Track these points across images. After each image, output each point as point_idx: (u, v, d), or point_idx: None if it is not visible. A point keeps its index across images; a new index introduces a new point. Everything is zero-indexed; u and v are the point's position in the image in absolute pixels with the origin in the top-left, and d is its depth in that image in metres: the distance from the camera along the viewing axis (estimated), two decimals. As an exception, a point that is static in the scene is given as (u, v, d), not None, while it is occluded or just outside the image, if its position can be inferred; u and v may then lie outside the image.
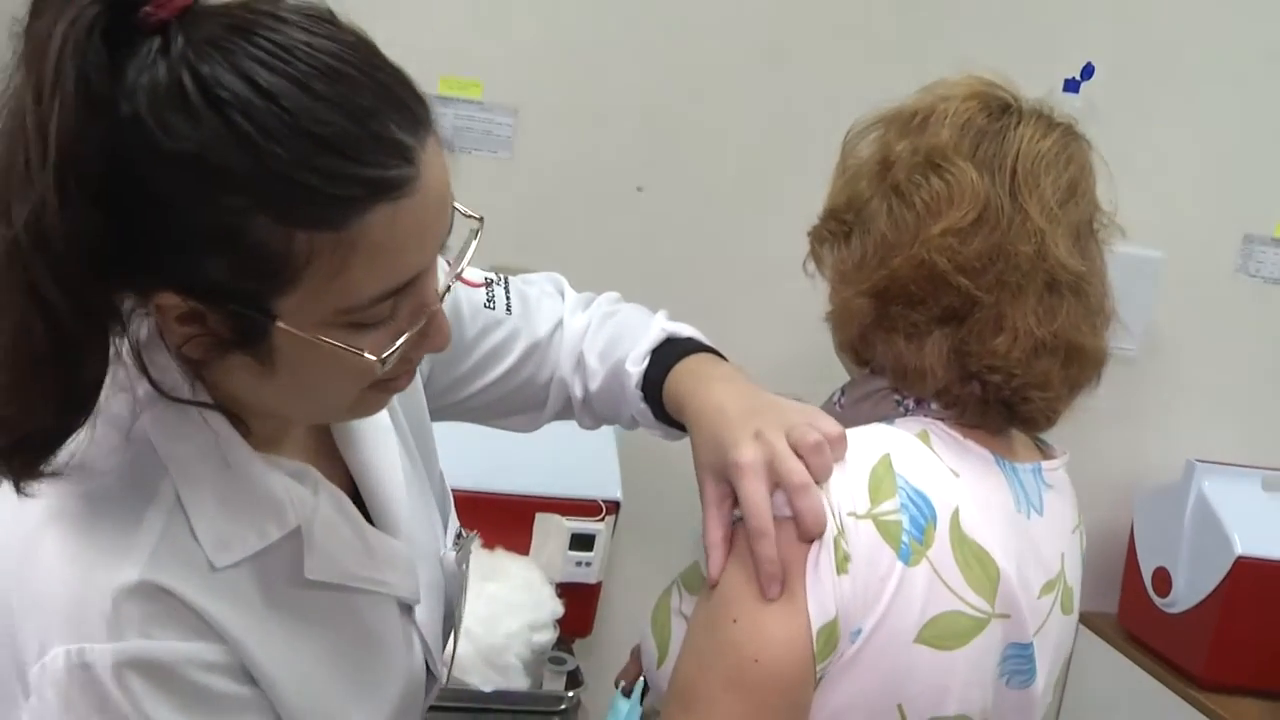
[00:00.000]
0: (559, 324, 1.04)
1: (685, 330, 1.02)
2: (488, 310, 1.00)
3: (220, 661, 0.70)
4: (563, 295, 1.07)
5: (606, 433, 1.90)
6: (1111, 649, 2.11)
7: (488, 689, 1.58)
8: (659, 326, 1.00)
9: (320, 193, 0.63)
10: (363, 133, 0.63)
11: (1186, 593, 1.95)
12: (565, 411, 1.06)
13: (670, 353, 0.98)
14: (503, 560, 1.69)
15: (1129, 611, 2.11)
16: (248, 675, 0.72)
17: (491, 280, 1.02)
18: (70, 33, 0.59)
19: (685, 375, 0.95)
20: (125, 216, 0.62)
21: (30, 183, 0.59)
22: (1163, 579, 1.99)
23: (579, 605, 1.76)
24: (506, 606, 1.61)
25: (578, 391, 1.03)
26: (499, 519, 1.69)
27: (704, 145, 1.91)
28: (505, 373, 1.01)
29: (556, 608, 1.68)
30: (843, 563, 0.81)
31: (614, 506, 1.78)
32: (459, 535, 0.98)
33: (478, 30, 1.81)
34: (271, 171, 0.62)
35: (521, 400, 1.04)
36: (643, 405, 0.98)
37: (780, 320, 1.89)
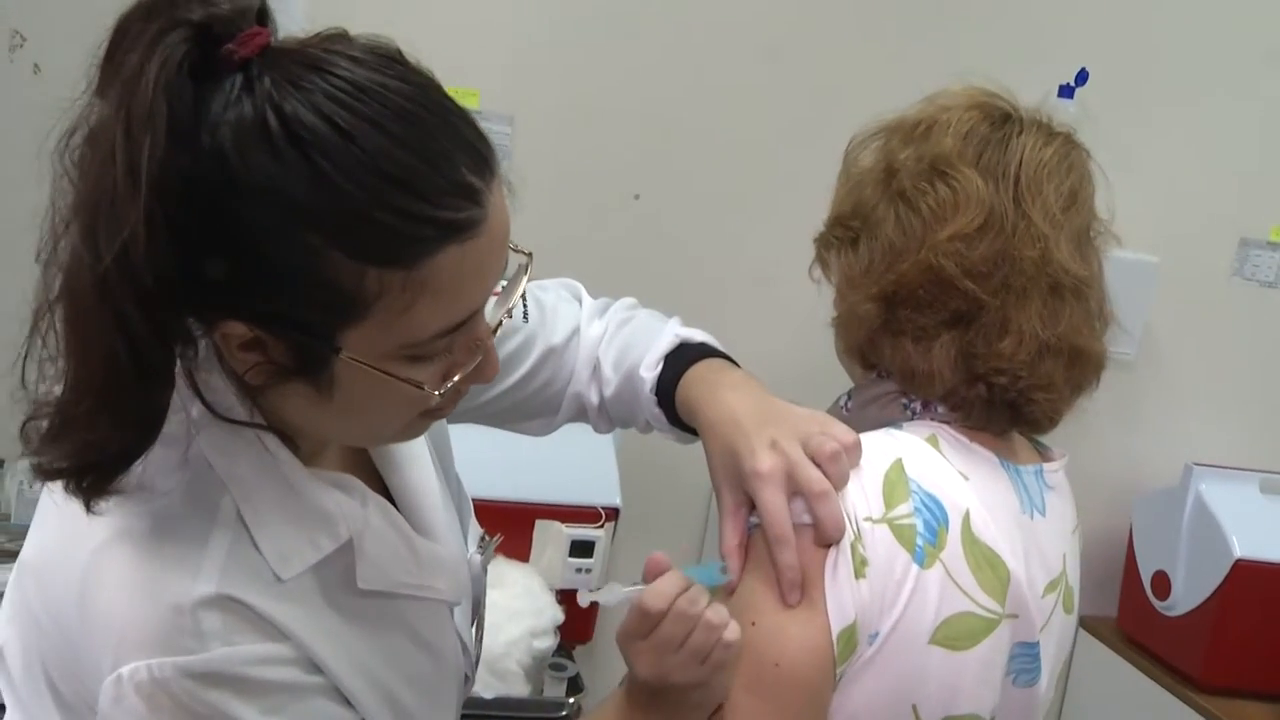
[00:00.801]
0: (575, 330, 1.05)
1: (699, 336, 1.02)
2: (507, 318, 1.02)
3: (292, 656, 0.72)
4: (579, 301, 1.09)
5: (606, 439, 1.89)
6: (1111, 652, 2.12)
7: (488, 695, 1.58)
8: (672, 332, 1.01)
9: (394, 232, 0.64)
10: (436, 175, 0.65)
11: (1185, 596, 1.96)
12: (580, 416, 1.07)
13: (683, 358, 0.99)
14: (503, 567, 1.69)
15: (1128, 615, 2.12)
16: (316, 667, 0.74)
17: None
18: (163, 70, 0.61)
19: (697, 382, 0.96)
20: (204, 250, 0.63)
21: (119, 215, 0.60)
22: (1162, 582, 2.00)
23: (580, 612, 1.76)
24: (507, 613, 1.61)
25: (594, 398, 1.04)
26: (499, 525, 1.68)
27: (701, 152, 1.91)
28: (521, 379, 1.02)
29: (557, 614, 1.68)
30: (860, 567, 0.82)
31: (613, 513, 1.79)
32: (482, 538, 0.99)
33: (473, 39, 1.81)
34: (348, 210, 0.63)
35: (537, 405, 1.05)
36: (657, 410, 0.99)
37: (778, 326, 1.89)
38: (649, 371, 0.99)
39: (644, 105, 1.89)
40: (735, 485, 0.86)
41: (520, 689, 1.62)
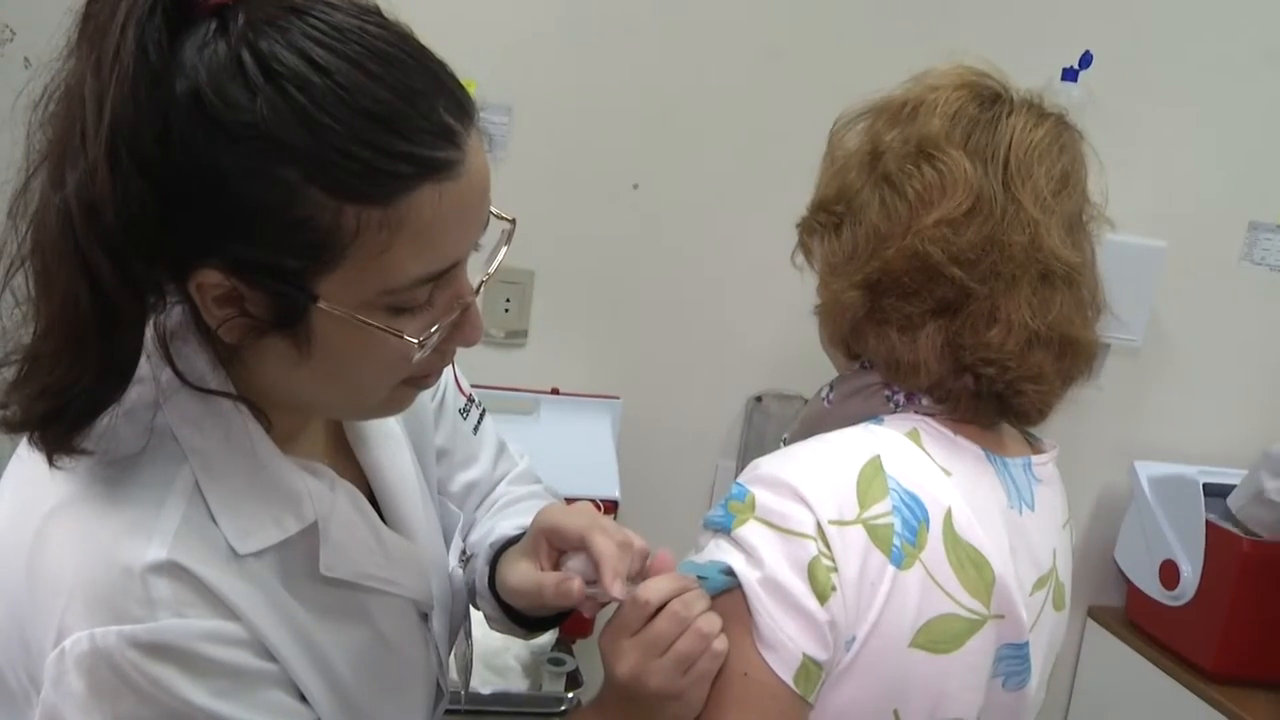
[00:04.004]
0: (499, 480, 1.07)
1: None
2: (462, 416, 1.04)
3: (244, 638, 0.70)
4: (518, 461, 1.10)
5: (604, 432, 1.89)
6: (1120, 643, 2.10)
7: (486, 691, 1.57)
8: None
9: (371, 167, 0.63)
10: (413, 113, 0.65)
11: (1193, 583, 1.94)
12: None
13: None
14: (500, 561, 1.67)
15: (1136, 604, 2.10)
16: (269, 653, 0.72)
17: (473, 400, 1.05)
18: (134, 10, 0.61)
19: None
20: (177, 191, 0.63)
21: (83, 150, 0.61)
22: (1170, 571, 1.98)
23: (579, 606, 1.75)
24: (504, 608, 1.60)
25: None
26: (497, 519, 1.68)
27: (700, 141, 1.89)
28: (450, 491, 1.03)
29: (556, 609, 1.66)
30: (825, 589, 0.79)
31: (612, 506, 1.77)
32: (463, 554, 0.98)
33: (470, 27, 1.79)
34: (325, 144, 0.63)
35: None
36: (485, 565, 0.95)
37: (777, 315, 1.88)
38: (510, 529, 0.97)
39: (641, 94, 1.87)
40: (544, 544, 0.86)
41: (518, 684, 1.61)
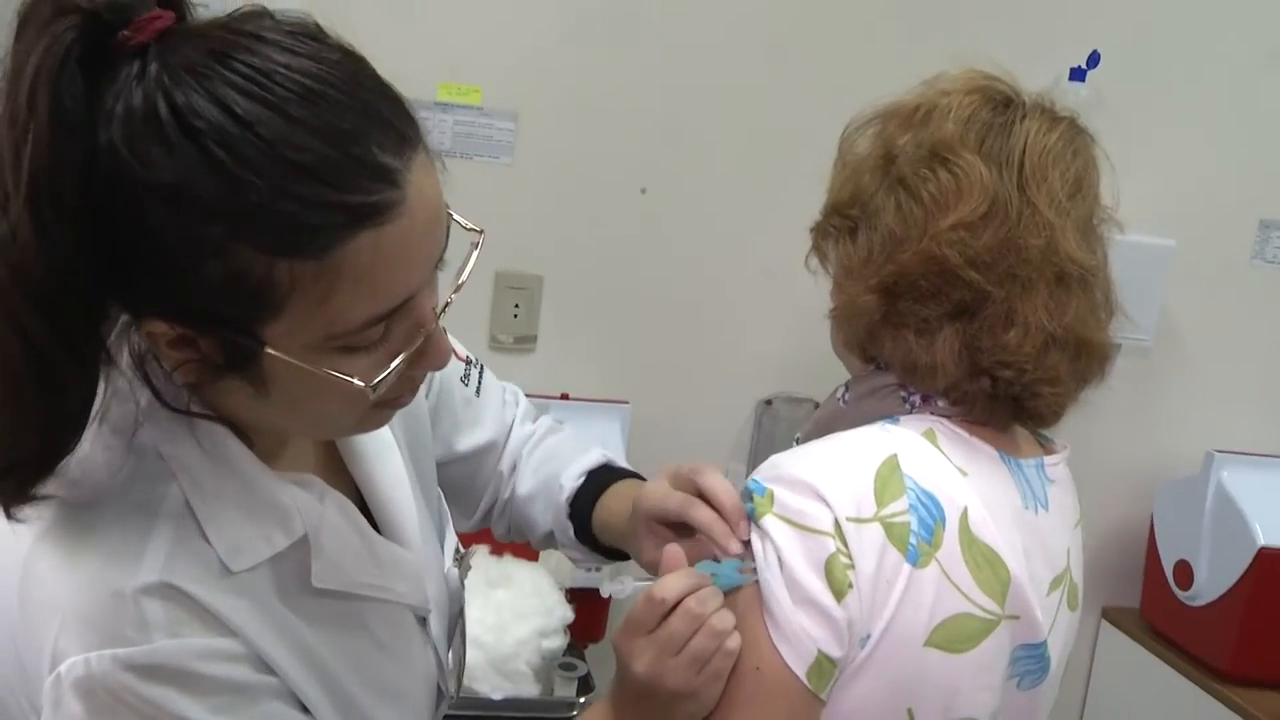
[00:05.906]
0: (510, 427, 1.09)
1: (623, 463, 1.07)
2: (464, 385, 1.04)
3: (241, 653, 0.70)
4: (518, 403, 1.12)
5: (614, 435, 1.89)
6: (1134, 643, 2.09)
7: (497, 696, 1.57)
8: (599, 452, 1.06)
9: (299, 222, 0.61)
10: (343, 158, 0.62)
11: (1209, 585, 1.93)
12: (487, 517, 1.10)
13: (606, 476, 1.03)
14: (511, 567, 1.67)
15: (1151, 605, 2.09)
16: (268, 667, 0.72)
17: (471, 361, 1.05)
18: (45, 59, 0.59)
19: (627, 488, 1.00)
20: (106, 245, 0.61)
21: (5, 212, 0.58)
22: (1184, 572, 1.97)
23: (590, 611, 1.75)
24: (514, 614, 1.60)
25: (504, 494, 1.07)
26: (507, 524, 1.68)
27: (707, 145, 1.89)
28: (467, 452, 1.05)
29: (566, 614, 1.66)
30: (842, 586, 0.80)
31: (622, 510, 1.77)
32: (458, 551, 0.98)
33: (476, 35, 1.79)
34: (249, 201, 0.60)
35: (464, 488, 1.06)
36: (566, 520, 1.01)
37: (786, 318, 1.87)
38: (570, 481, 1.02)
39: (647, 99, 1.87)
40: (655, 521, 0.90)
41: (530, 689, 1.60)
